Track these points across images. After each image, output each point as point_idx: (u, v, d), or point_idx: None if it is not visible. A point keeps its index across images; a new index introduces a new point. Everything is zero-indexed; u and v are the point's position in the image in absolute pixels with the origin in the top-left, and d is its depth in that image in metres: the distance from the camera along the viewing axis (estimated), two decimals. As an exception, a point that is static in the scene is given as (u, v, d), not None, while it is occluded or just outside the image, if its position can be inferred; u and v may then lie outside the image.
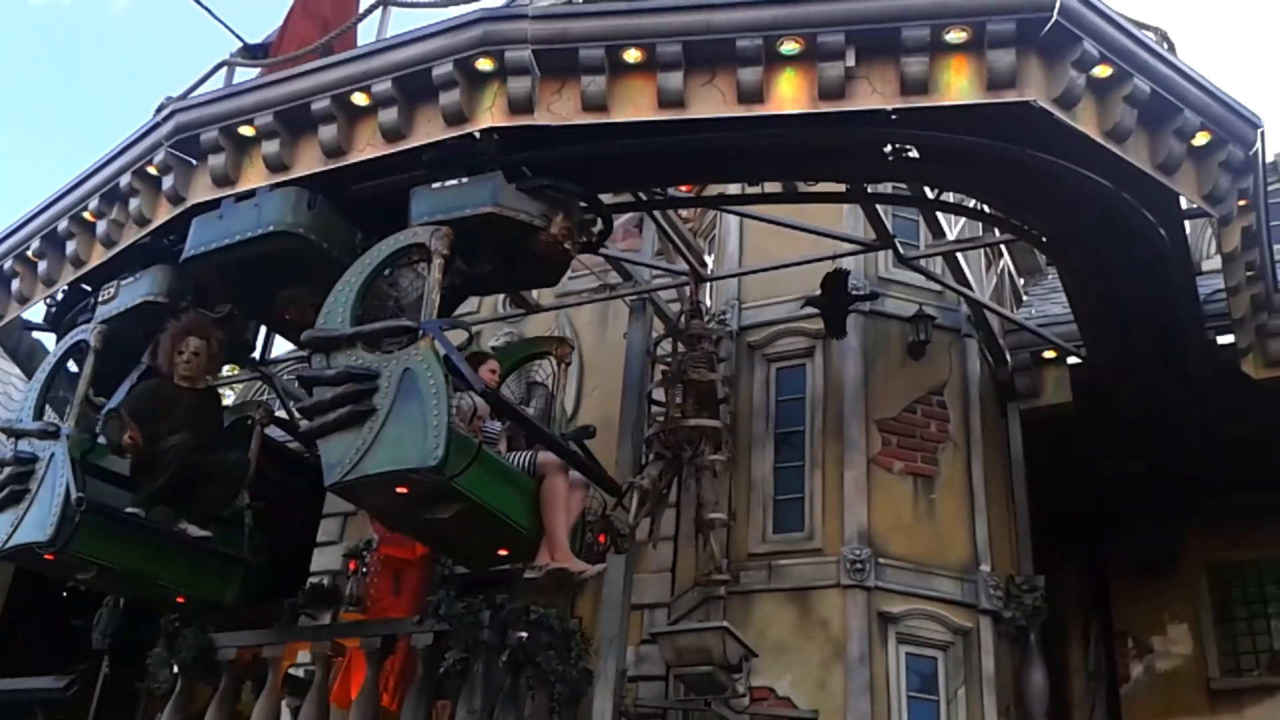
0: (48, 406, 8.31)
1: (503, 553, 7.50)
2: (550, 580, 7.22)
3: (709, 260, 10.78)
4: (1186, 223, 8.16)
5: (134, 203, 8.15)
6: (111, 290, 8.30)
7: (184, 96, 8.21)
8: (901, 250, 9.37)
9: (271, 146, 7.62)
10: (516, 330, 11.63)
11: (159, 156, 7.92)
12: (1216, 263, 8.45)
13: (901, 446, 9.35)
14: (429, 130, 7.49)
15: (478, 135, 7.38)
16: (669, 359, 8.97)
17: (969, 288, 10.06)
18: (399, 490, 6.47)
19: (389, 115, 7.37)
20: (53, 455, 7.55)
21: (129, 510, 7.68)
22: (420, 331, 6.63)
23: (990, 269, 11.66)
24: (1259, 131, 7.44)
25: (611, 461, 8.57)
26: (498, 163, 7.26)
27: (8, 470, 7.64)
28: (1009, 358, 10.44)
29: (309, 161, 7.68)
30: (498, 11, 7.60)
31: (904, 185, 8.71)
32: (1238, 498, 11.13)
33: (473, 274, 7.37)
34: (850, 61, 6.82)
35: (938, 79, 6.67)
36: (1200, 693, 11.14)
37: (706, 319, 9.49)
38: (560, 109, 7.25)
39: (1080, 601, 11.62)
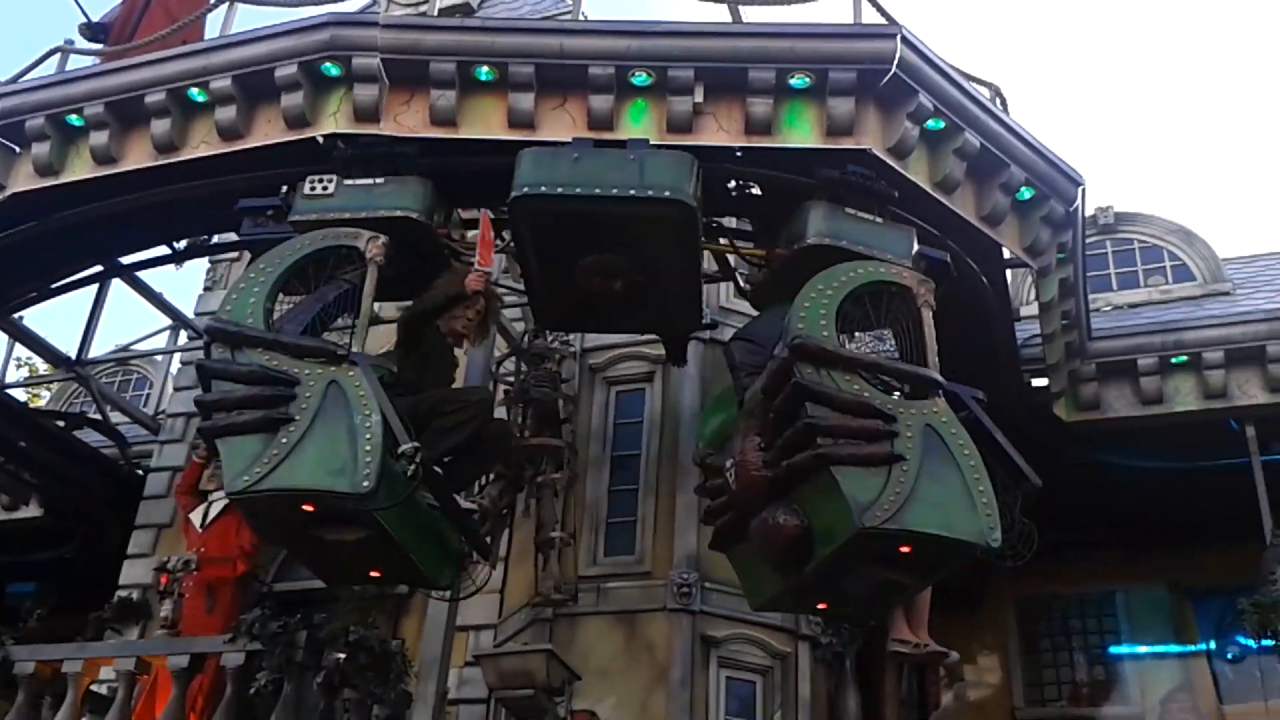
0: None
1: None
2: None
3: (555, 280, 10.75)
4: (1008, 270, 8.57)
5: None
6: (326, 185, 7.02)
7: (14, 80, 7.83)
8: (742, 282, 9.54)
9: (100, 138, 7.34)
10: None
11: (-21, 141, 7.51)
12: (1034, 309, 8.89)
13: (734, 473, 9.50)
14: (268, 131, 7.33)
15: (320, 140, 7.25)
16: (511, 377, 8.91)
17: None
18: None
19: (226, 114, 7.18)
20: (332, 384, 6.20)
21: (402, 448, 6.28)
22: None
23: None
24: (1080, 189, 7.90)
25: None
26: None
27: (249, 388, 6.23)
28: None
29: (138, 155, 7.42)
30: (348, 16, 7.49)
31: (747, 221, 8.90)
32: (1046, 535, 11.68)
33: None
34: (699, 97, 6.98)
35: (781, 121, 6.86)
36: (1006, 721, 11.65)
37: (550, 339, 9.48)
38: (408, 120, 7.19)
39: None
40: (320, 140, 7.25)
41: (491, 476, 8.24)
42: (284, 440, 5.96)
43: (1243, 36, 34.18)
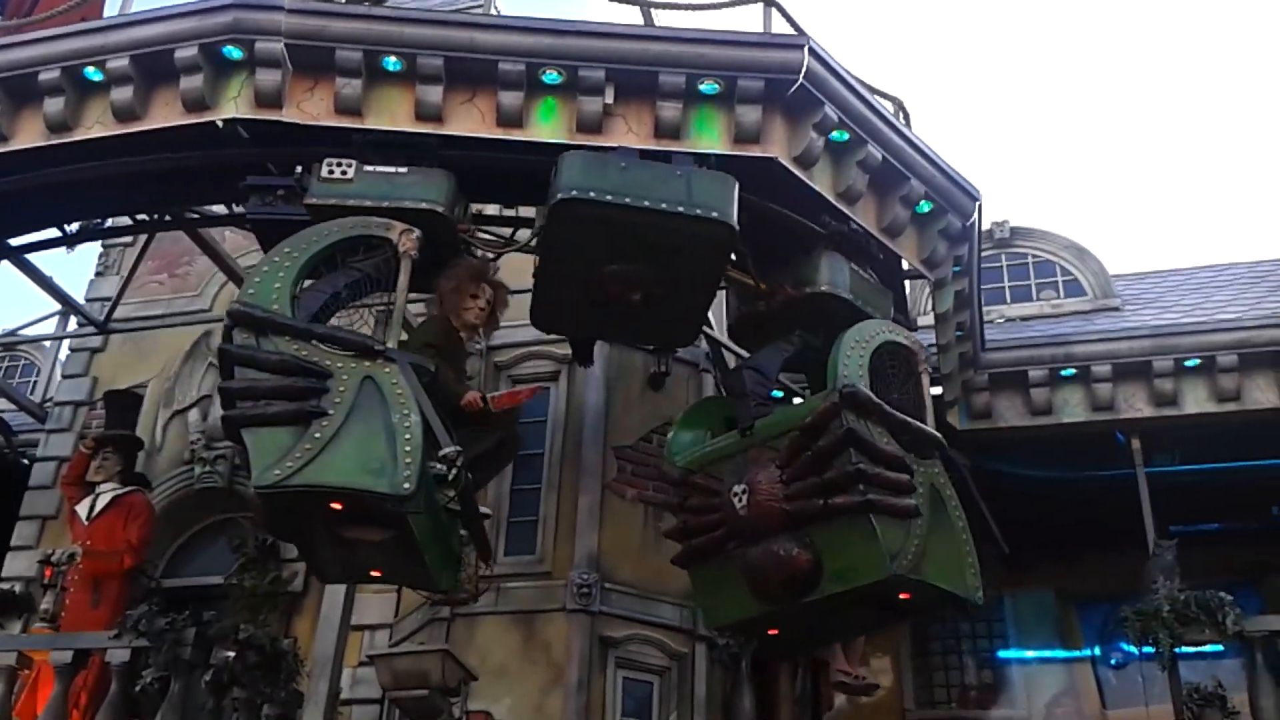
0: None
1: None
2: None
3: (460, 277, 10.67)
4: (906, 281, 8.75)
5: None
6: (345, 169, 6.85)
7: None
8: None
9: (-12, 115, 7.06)
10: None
11: None
12: (930, 319, 9.08)
13: (636, 474, 9.52)
14: (166, 114, 7.15)
15: (220, 125, 7.10)
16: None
17: (709, 325, 10.38)
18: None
19: (123, 94, 6.98)
20: (367, 379, 6.05)
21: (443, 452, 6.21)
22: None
23: (729, 308, 12.08)
24: (977, 204, 8.10)
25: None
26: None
27: (278, 378, 6.00)
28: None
29: (29, 134, 7.18)
30: None
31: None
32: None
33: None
34: (609, 98, 6.99)
35: (690, 126, 6.91)
36: (896, 722, 11.88)
37: (454, 335, 9.40)
38: (311, 108, 7.07)
39: (792, 631, 12.16)
40: (220, 125, 7.09)
41: None
42: (317, 435, 5.77)
43: (1136, 62, 35.47)
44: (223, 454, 10.57)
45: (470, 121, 7.09)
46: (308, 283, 6.42)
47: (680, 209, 6.58)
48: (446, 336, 7.14)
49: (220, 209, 9.14)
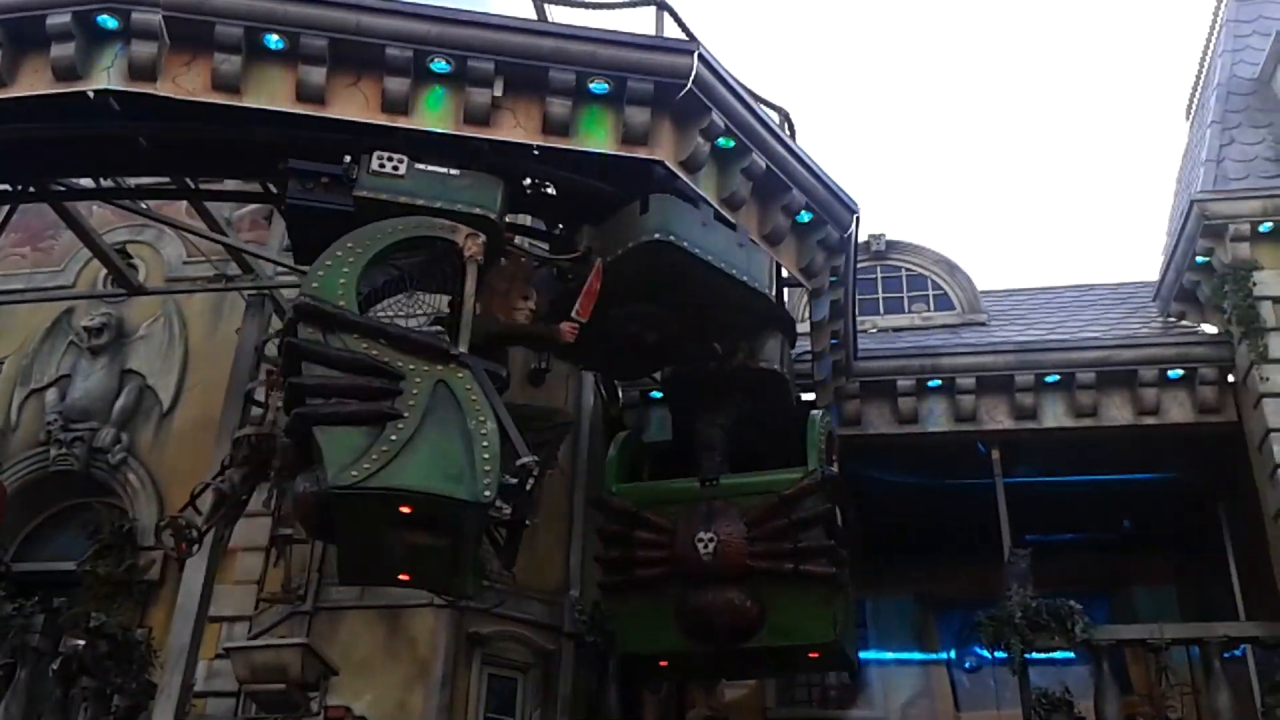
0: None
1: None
2: None
3: (339, 264, 10.46)
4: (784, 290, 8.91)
5: None
6: (396, 165, 6.71)
7: None
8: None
9: None
10: (116, 311, 10.76)
11: None
12: (806, 327, 9.25)
13: (512, 472, 9.48)
14: (34, 82, 6.86)
15: (91, 95, 6.84)
16: (279, 361, 8.59)
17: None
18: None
19: (-12, 59, 6.65)
20: (440, 383, 6.02)
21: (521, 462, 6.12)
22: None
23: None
24: (855, 216, 8.28)
25: (206, 463, 8.12)
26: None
27: (351, 377, 5.95)
28: (620, 394, 10.90)
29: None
30: (130, -33, 7.07)
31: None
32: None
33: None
34: (498, 91, 6.94)
35: (578, 124, 6.90)
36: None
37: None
38: (187, 83, 6.85)
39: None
40: (91, 95, 6.83)
41: (237, 460, 7.92)
42: (393, 437, 5.75)
43: (1015, 85, 36.81)
44: (80, 436, 10.18)
45: (354, 106, 6.96)
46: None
47: (745, 279, 7.31)
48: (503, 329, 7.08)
49: (88, 183, 8.80)
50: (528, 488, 6.06)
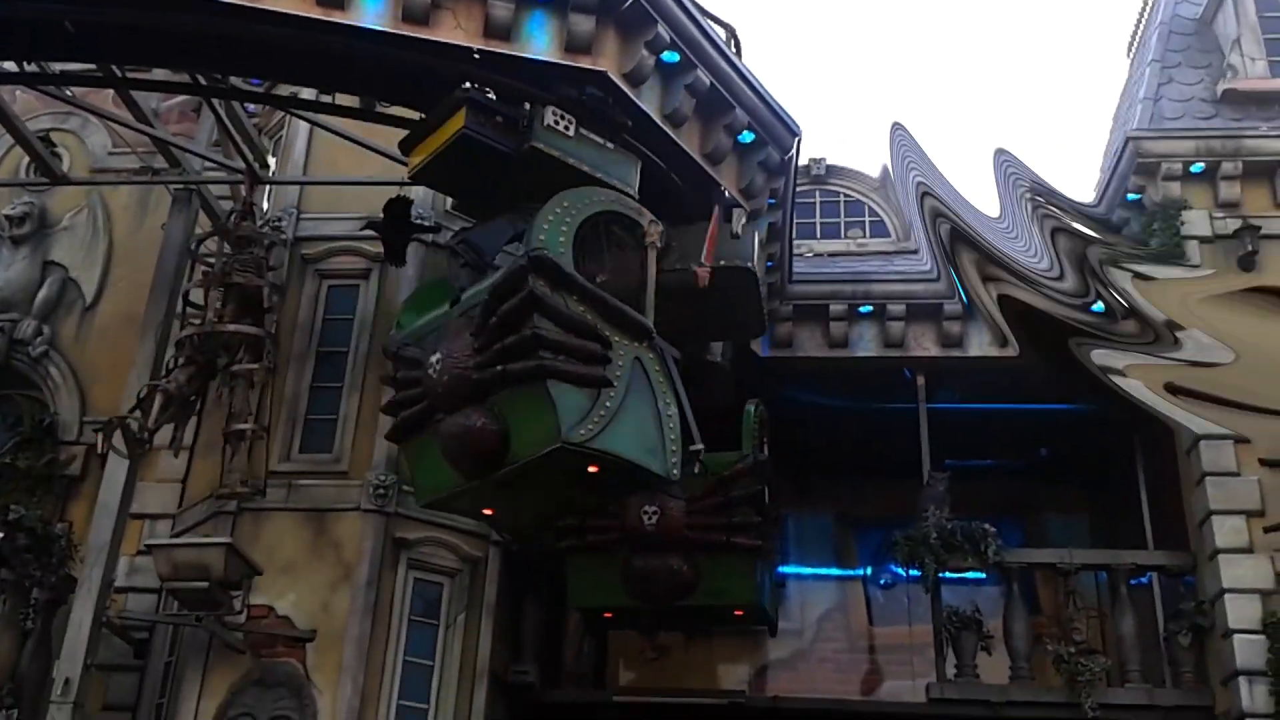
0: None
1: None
2: None
3: (272, 162, 10.26)
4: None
5: None
6: (567, 125, 6.93)
7: None
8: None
9: None
10: (38, 201, 10.45)
11: None
12: (744, 249, 9.25)
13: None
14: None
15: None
16: (212, 259, 8.45)
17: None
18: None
19: None
20: (637, 360, 6.47)
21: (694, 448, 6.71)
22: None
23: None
24: (797, 139, 8.27)
25: (129, 359, 8.00)
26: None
27: (575, 338, 6.31)
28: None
29: None
30: None
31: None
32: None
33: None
34: (438, -12, 6.76)
35: (521, 29, 6.77)
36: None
37: (260, 223, 9.04)
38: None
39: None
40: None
41: (181, 360, 7.85)
42: (607, 404, 6.17)
43: (952, 13, 36.72)
44: (1, 327, 9.94)
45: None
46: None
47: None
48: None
49: (10, 66, 8.47)
50: (697, 471, 6.79)
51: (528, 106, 6.91)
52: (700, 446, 6.66)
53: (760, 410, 9.18)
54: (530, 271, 6.27)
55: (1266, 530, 8.91)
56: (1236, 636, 8.64)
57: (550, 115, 6.85)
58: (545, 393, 6.08)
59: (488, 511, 7.52)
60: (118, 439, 7.24)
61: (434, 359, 6.77)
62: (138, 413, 7.54)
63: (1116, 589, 9.53)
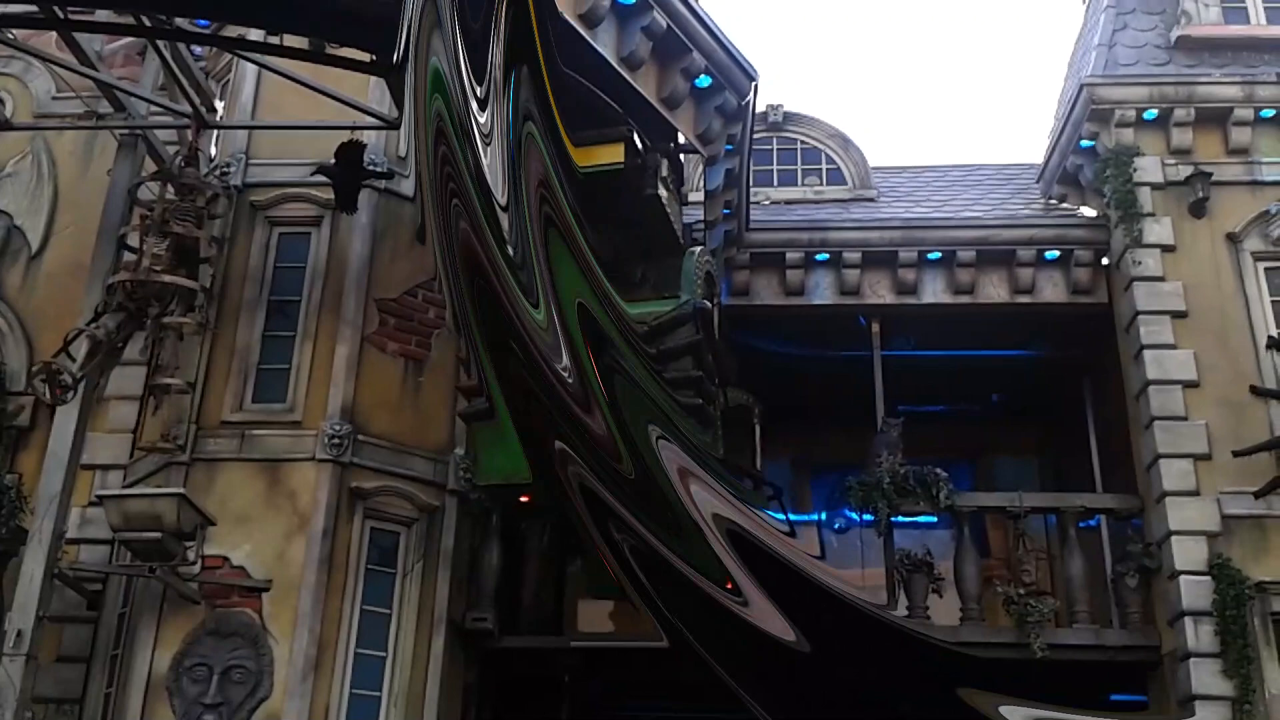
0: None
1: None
2: None
3: (219, 106, 10.03)
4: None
5: None
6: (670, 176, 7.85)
7: None
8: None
9: None
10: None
11: None
12: (699, 196, 9.24)
13: (398, 329, 9.33)
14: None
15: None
16: (154, 204, 8.27)
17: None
18: None
19: None
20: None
21: None
22: None
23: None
24: (754, 84, 8.23)
25: (77, 308, 7.84)
26: None
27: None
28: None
29: None
30: None
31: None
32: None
33: None
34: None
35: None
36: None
37: (206, 171, 8.85)
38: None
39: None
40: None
41: (113, 305, 7.68)
42: None
43: (922, -40, 36.57)
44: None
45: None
46: None
47: None
48: None
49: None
50: None
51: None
52: None
53: (707, 257, 8.26)
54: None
55: (1235, 454, 8.99)
56: (1183, 578, 8.83)
57: (665, 168, 7.43)
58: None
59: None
60: (39, 383, 7.09)
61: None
62: (64, 357, 7.38)
63: (1065, 531, 9.70)
